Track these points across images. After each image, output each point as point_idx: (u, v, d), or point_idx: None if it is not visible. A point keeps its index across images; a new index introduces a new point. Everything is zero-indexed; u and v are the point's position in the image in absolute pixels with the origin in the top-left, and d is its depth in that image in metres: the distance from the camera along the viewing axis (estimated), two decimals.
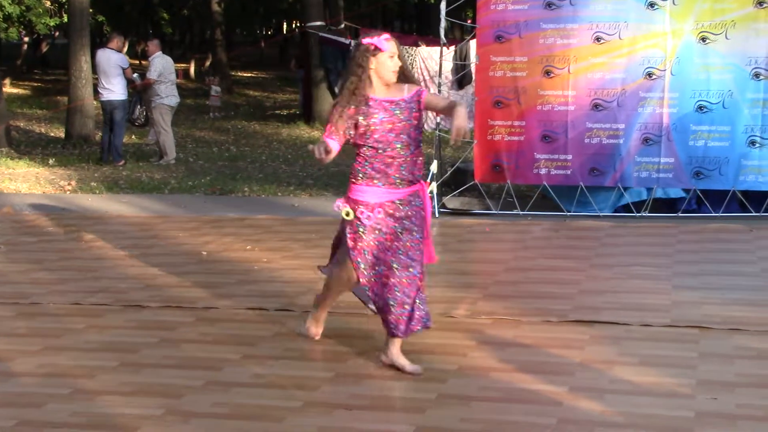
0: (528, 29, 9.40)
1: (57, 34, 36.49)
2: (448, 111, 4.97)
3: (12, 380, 5.02)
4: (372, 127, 4.97)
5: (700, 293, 6.38)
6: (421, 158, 5.11)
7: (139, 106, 14.48)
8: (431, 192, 9.56)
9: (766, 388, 4.62)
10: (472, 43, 13.22)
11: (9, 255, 8.15)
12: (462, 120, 4.73)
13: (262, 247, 8.25)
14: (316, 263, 7.51)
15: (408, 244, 4.96)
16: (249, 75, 37.36)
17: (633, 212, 9.31)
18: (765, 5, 8.93)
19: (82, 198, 11.23)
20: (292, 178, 12.67)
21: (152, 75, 14.02)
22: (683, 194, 9.37)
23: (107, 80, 13.86)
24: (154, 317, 6.20)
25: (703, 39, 9.06)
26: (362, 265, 5.00)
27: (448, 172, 10.24)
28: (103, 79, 13.92)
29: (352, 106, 4.97)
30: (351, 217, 5.02)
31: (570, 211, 9.39)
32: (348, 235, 5.03)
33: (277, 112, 24.46)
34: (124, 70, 13.93)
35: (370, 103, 4.98)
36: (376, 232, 4.99)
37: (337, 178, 12.50)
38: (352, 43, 19.45)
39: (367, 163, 5.02)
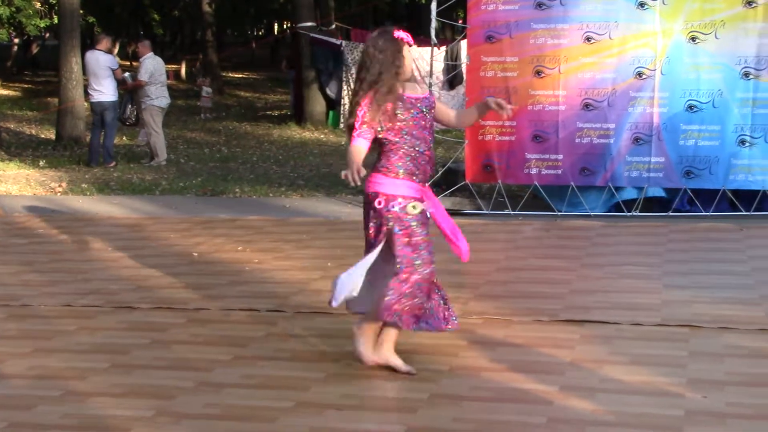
0: (518, 29, 9.41)
1: (47, 35, 36.40)
2: (471, 113, 5.21)
3: (2, 382, 5.01)
4: (411, 123, 4.84)
5: (690, 292, 6.39)
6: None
7: (130, 106, 14.45)
8: None
9: (756, 386, 4.63)
10: (463, 44, 13.24)
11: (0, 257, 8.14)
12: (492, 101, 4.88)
13: (254, 248, 8.25)
14: (307, 264, 7.57)
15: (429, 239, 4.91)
16: (240, 76, 37.34)
17: (624, 212, 9.33)
18: (754, 5, 8.96)
19: (72, 200, 11.21)
20: (284, 179, 12.67)
21: (143, 77, 14.00)
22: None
23: (97, 82, 13.83)
24: (146, 318, 6.19)
25: (693, 39, 9.09)
26: (418, 261, 4.80)
27: (439, 173, 10.24)
28: (93, 81, 13.89)
29: (390, 103, 4.79)
30: (418, 210, 4.83)
31: (561, 211, 9.41)
32: (400, 233, 4.78)
33: (268, 112, 24.45)
34: (113, 71, 13.90)
35: (404, 98, 4.88)
36: (423, 225, 4.87)
37: (328, 179, 12.51)
38: (343, 43, 19.49)
39: (408, 158, 4.83)
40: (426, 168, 4.92)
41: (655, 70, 9.17)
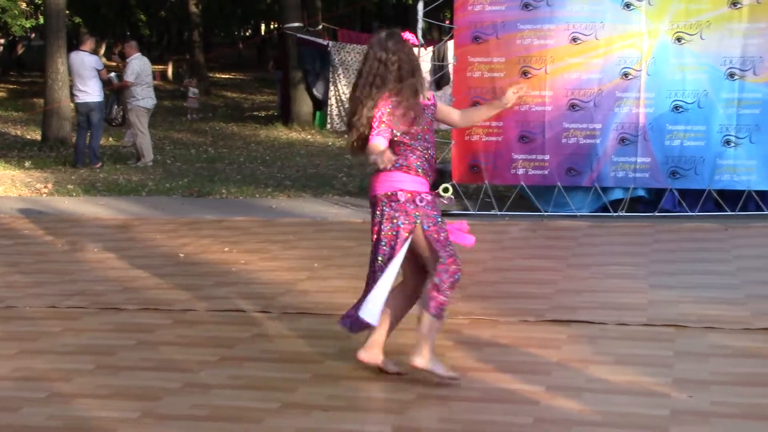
0: (505, 30, 9.42)
1: (33, 35, 36.28)
2: (481, 111, 5.42)
3: None
4: (425, 127, 4.80)
5: (676, 292, 6.41)
6: None
7: (116, 106, 14.42)
8: None
9: (741, 385, 4.65)
10: (450, 44, 13.23)
11: None
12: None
13: (240, 248, 8.23)
14: (294, 265, 7.56)
15: None
16: (227, 76, 37.26)
17: (610, 212, 9.35)
18: (739, 6, 8.99)
19: (58, 201, 11.18)
20: (270, 179, 12.65)
21: (129, 77, 13.96)
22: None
23: (82, 82, 13.78)
24: (132, 320, 6.18)
25: (679, 39, 9.11)
26: (450, 249, 4.71)
27: None
28: (78, 82, 13.85)
29: (414, 110, 4.72)
30: (450, 192, 4.86)
31: (547, 211, 9.42)
32: (430, 229, 4.69)
33: (255, 113, 24.41)
34: (98, 71, 13.86)
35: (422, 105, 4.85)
36: (444, 221, 4.82)
37: (315, 179, 12.50)
38: (330, 44, 19.48)
39: (423, 160, 4.77)
40: (433, 170, 4.88)
41: (641, 70, 9.19)
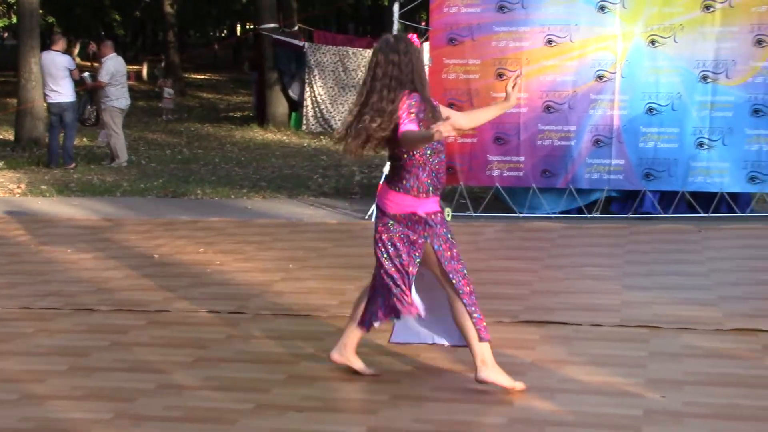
0: (480, 32, 9.45)
1: (6, 35, 36.03)
2: (484, 113, 5.20)
3: None
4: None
5: (650, 293, 6.45)
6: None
7: (89, 106, 14.34)
8: None
9: (713, 386, 4.69)
10: (426, 46, 13.26)
11: None
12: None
13: (215, 249, 8.21)
14: (269, 266, 7.55)
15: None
16: (202, 77, 37.16)
17: (585, 213, 9.39)
18: (712, 9, 9.05)
19: (32, 201, 11.11)
20: (246, 180, 12.63)
21: (103, 78, 13.89)
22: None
23: (54, 82, 13.70)
24: (105, 321, 6.15)
25: (653, 42, 9.17)
26: (465, 271, 4.72)
27: None
28: (50, 82, 13.76)
29: (430, 111, 4.66)
30: (449, 215, 4.77)
31: (522, 213, 9.45)
32: (442, 247, 4.65)
33: (230, 114, 24.35)
34: (70, 71, 13.78)
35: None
36: (453, 236, 4.77)
37: (291, 180, 12.49)
38: (306, 45, 19.46)
39: (433, 174, 4.65)
40: (444, 177, 4.81)
41: (615, 73, 9.24)
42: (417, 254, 4.67)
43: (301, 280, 7.11)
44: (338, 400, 4.69)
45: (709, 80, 9.12)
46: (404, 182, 4.65)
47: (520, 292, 6.56)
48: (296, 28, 22.73)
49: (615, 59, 9.23)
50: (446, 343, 4.96)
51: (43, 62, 13.92)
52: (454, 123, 4.32)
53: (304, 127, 19.23)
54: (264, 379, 4.95)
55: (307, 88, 19.20)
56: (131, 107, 15.02)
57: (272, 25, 20.39)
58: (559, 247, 8.14)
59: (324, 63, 19.07)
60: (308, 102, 19.25)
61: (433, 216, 4.67)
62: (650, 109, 9.23)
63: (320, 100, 19.09)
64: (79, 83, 14.08)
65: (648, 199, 9.33)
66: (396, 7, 9.92)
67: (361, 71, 18.84)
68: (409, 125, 4.52)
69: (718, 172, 9.18)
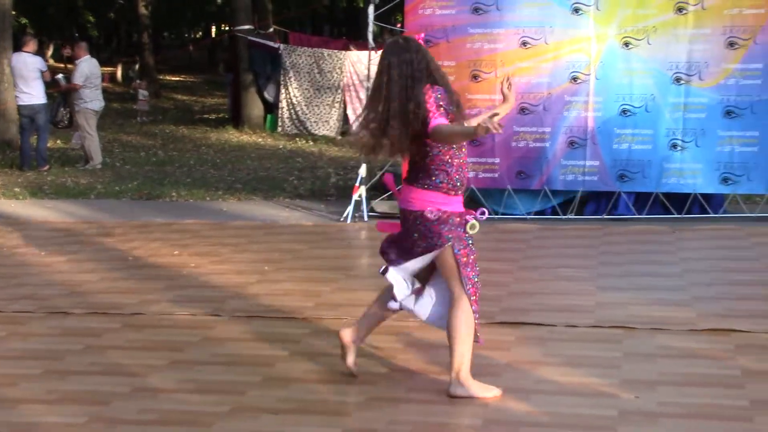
0: (455, 34, 9.47)
1: None
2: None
3: None
4: None
5: (624, 294, 6.49)
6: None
7: (62, 108, 14.24)
8: (360, 196, 9.59)
9: (687, 386, 4.72)
10: None
11: None
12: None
13: (190, 251, 8.19)
14: (244, 268, 7.53)
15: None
16: (177, 79, 37.03)
17: (560, 214, 9.43)
18: (684, 12, 9.11)
19: (4, 204, 11.02)
20: (221, 182, 12.59)
21: (78, 80, 13.80)
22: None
23: (26, 84, 13.59)
24: (80, 324, 6.11)
25: (626, 44, 9.22)
26: (476, 279, 4.71)
27: (377, 176, 10.25)
28: (21, 84, 13.65)
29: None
30: (476, 230, 4.68)
31: (498, 214, 9.48)
32: (459, 252, 4.62)
33: (205, 116, 24.28)
34: (42, 72, 13.69)
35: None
36: (472, 241, 4.75)
37: (266, 182, 12.46)
38: (281, 46, 19.43)
39: (460, 170, 4.65)
40: (467, 174, 4.79)
41: (589, 74, 9.28)
42: (432, 251, 4.64)
43: (277, 282, 7.10)
44: (314, 402, 4.68)
45: (682, 82, 9.17)
46: (433, 179, 4.61)
47: (496, 294, 6.58)
48: (271, 29, 22.70)
49: (589, 61, 9.27)
50: (422, 318, 4.92)
51: (14, 64, 13.82)
52: (495, 122, 4.24)
53: (279, 129, 19.19)
54: (240, 382, 4.94)
55: (283, 90, 19.17)
56: (105, 109, 14.94)
57: (247, 27, 20.34)
58: (534, 248, 8.17)
59: (299, 65, 19.05)
60: (284, 104, 19.21)
61: (458, 218, 4.64)
62: (624, 111, 9.28)
63: (296, 102, 19.06)
64: (52, 85, 13.97)
65: (622, 202, 9.38)
66: (371, 9, 9.91)
67: (337, 73, 18.84)
68: (440, 119, 4.48)
69: (691, 174, 9.24)
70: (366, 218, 9.49)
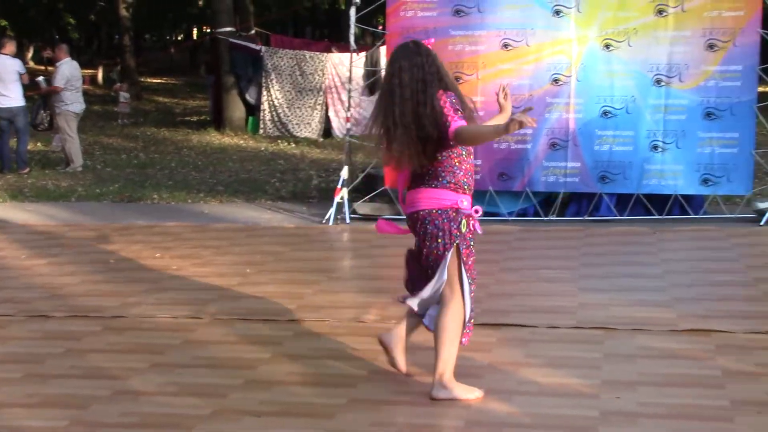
0: (437, 36, 9.46)
1: None
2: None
3: None
4: None
5: (605, 295, 6.51)
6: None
7: (42, 111, 14.17)
8: (342, 198, 9.59)
9: (667, 386, 4.74)
10: (383, 50, 13.29)
11: None
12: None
13: (172, 254, 8.16)
14: (226, 270, 7.51)
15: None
16: (158, 81, 36.94)
17: (541, 215, 9.46)
18: (665, 14, 9.16)
19: None
20: (202, 185, 12.56)
21: (59, 82, 13.74)
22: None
23: (4, 87, 13.49)
24: (60, 327, 6.09)
25: (607, 46, 9.26)
26: (469, 281, 4.70)
27: (359, 178, 10.26)
28: (0, 86, 13.57)
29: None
30: (464, 229, 4.64)
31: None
32: (463, 252, 4.63)
33: (187, 118, 24.23)
34: (20, 75, 13.60)
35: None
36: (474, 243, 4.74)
37: (248, 185, 12.44)
38: (263, 48, 19.42)
39: (469, 173, 4.67)
40: (473, 179, 4.79)
41: (570, 76, 9.31)
42: (443, 258, 4.62)
43: (259, 284, 7.08)
44: (296, 405, 4.68)
45: (662, 84, 9.22)
46: (440, 179, 4.61)
47: (477, 295, 6.52)
48: (253, 31, 22.68)
49: (570, 63, 9.31)
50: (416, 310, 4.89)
51: None
52: (524, 116, 4.19)
53: (261, 131, 19.17)
54: (221, 384, 4.93)
55: (264, 92, 19.15)
56: (86, 111, 14.89)
57: (229, 29, 20.32)
58: (516, 249, 8.18)
59: (281, 67, 19.03)
60: (265, 106, 19.19)
61: (466, 218, 4.64)
62: (605, 113, 9.31)
63: (277, 104, 19.04)
64: (32, 87, 13.90)
65: (604, 204, 9.41)
66: (353, 11, 9.92)
67: (319, 75, 18.83)
68: (460, 121, 4.46)
69: (671, 175, 9.29)
70: (348, 220, 9.48)
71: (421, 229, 4.67)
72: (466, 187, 4.66)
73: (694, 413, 4.39)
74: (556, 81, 9.35)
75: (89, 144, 17.22)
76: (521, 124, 4.15)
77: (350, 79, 10.84)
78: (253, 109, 19.81)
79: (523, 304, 6.34)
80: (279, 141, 18.05)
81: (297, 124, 18.94)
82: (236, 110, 20.03)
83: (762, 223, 8.91)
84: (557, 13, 9.29)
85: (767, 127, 9.65)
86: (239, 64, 19.87)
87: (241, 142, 18.27)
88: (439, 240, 4.61)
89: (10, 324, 6.17)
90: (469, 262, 4.68)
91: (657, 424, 4.26)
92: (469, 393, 4.63)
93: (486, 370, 5.06)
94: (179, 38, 51.67)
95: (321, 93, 18.90)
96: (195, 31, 49.49)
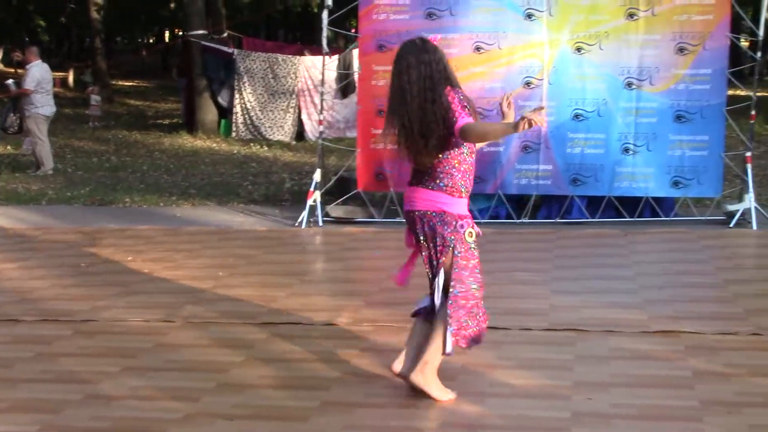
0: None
1: None
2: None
3: None
4: None
5: (577, 297, 6.54)
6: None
7: (11, 114, 14.06)
8: (314, 201, 9.57)
9: (639, 387, 4.76)
10: (355, 52, 13.30)
11: None
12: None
13: (144, 257, 8.12)
14: (198, 274, 7.49)
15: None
16: (130, 84, 36.74)
17: (514, 218, 9.48)
18: (636, 18, 9.22)
19: None
20: (175, 188, 12.51)
21: (29, 85, 13.65)
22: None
23: None
24: (30, 331, 6.04)
25: (579, 49, 9.31)
26: (474, 286, 4.69)
27: (332, 181, 10.25)
28: None
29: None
30: (473, 238, 4.65)
31: None
32: (460, 255, 4.63)
33: (158, 121, 24.11)
34: None
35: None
36: (478, 247, 4.74)
37: (220, 188, 12.40)
38: (235, 51, 19.37)
39: (467, 175, 4.64)
40: (472, 181, 4.76)
41: (542, 79, 9.36)
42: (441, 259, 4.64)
43: (232, 287, 7.06)
44: (269, 408, 4.66)
45: (633, 87, 9.28)
46: (437, 181, 4.60)
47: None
48: (225, 34, 22.59)
49: (542, 66, 9.35)
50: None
51: None
52: (535, 115, 4.20)
53: (233, 134, 19.11)
54: (194, 388, 4.91)
55: (237, 95, 19.10)
56: (57, 114, 14.79)
57: (201, 32, 20.26)
58: (488, 252, 8.17)
59: (253, 70, 18.99)
60: (238, 109, 19.14)
61: (462, 222, 4.63)
62: (577, 116, 9.36)
63: (250, 107, 19.00)
64: (1, 90, 13.78)
65: (575, 206, 9.45)
66: (325, 14, 9.91)
67: (291, 78, 18.80)
68: (467, 118, 4.46)
69: (642, 177, 9.35)
70: (321, 223, 9.47)
71: (419, 228, 4.70)
72: (463, 189, 4.65)
73: (664, 414, 4.41)
74: (528, 84, 9.39)
75: (60, 147, 17.10)
76: (530, 124, 4.16)
77: (323, 82, 10.83)
78: (225, 112, 19.76)
79: (495, 306, 6.32)
80: (252, 144, 18.00)
81: (270, 127, 18.91)
82: (208, 113, 19.97)
83: (732, 225, 8.99)
84: (529, 16, 9.33)
85: (736, 130, 9.72)
86: (211, 67, 19.80)
87: (214, 145, 18.21)
88: (437, 240, 4.64)
89: None
90: (470, 265, 4.67)
91: (629, 425, 4.28)
92: (443, 394, 4.63)
93: (459, 371, 5.06)
94: (151, 41, 51.42)
95: (294, 96, 18.87)
96: (167, 34, 49.27)
